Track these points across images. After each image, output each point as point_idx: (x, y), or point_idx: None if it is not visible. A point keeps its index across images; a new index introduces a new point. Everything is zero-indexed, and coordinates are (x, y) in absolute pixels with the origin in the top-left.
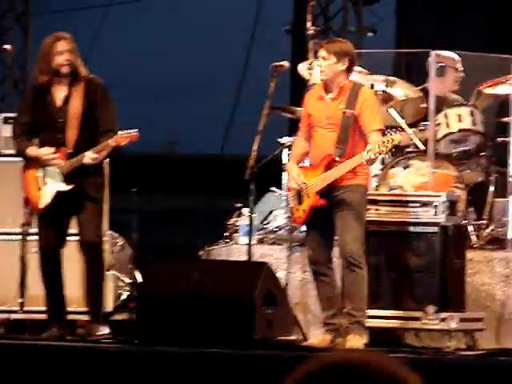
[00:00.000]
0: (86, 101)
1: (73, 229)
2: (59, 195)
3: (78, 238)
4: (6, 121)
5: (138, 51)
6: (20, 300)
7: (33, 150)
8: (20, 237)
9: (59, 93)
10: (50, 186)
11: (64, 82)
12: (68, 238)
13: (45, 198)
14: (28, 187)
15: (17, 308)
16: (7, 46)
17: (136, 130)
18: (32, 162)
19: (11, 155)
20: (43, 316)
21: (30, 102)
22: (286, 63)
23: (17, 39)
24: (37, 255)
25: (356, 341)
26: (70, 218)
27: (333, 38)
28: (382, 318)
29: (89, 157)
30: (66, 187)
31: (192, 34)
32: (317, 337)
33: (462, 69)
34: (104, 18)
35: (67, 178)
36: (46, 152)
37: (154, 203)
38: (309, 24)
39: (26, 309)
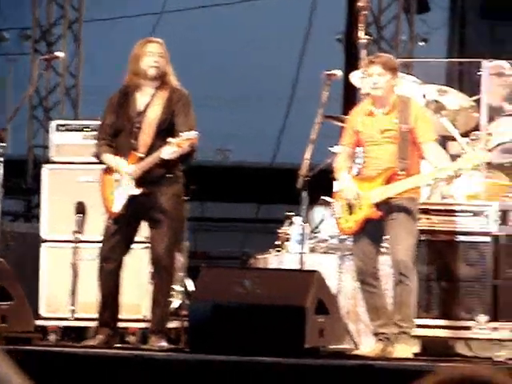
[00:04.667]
0: (167, 109)
1: (139, 236)
2: (132, 200)
3: (148, 249)
4: (57, 128)
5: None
6: (71, 307)
7: (107, 158)
8: (72, 244)
9: (143, 97)
10: (123, 191)
11: (150, 86)
12: (133, 245)
13: (118, 202)
14: (104, 191)
15: (68, 315)
16: (60, 54)
17: (196, 134)
18: (109, 167)
19: (63, 162)
20: (94, 323)
21: (114, 104)
22: (338, 72)
23: (69, 47)
24: (88, 262)
25: (404, 350)
26: (139, 225)
27: (385, 50)
28: (433, 327)
29: (166, 151)
30: (136, 191)
31: (248, 42)
32: (368, 346)
33: None
34: (156, 25)
35: (140, 183)
36: (118, 163)
37: (206, 211)
38: (361, 33)
39: (77, 316)
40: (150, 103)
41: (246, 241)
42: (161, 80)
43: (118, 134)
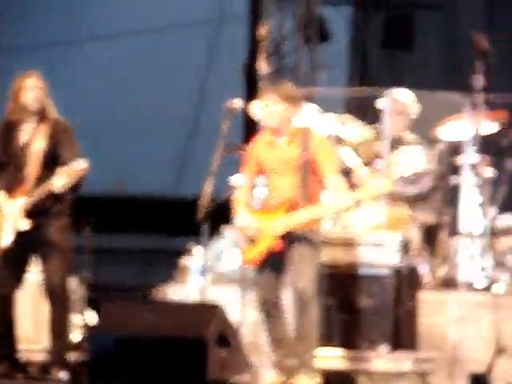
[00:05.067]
0: (51, 141)
1: (31, 267)
2: (21, 234)
3: (43, 281)
4: None
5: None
6: None
7: None
8: None
9: (26, 130)
10: (11, 225)
11: (31, 119)
12: (26, 276)
13: (6, 236)
14: None
15: None
16: None
17: (85, 162)
18: None
19: None
20: None
21: None
22: (239, 102)
23: None
24: None
25: (306, 382)
26: (30, 259)
27: (282, 80)
28: (335, 358)
29: (57, 182)
30: (25, 225)
31: (150, 73)
32: (269, 378)
33: (415, 108)
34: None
35: (28, 216)
36: (1, 199)
37: (106, 243)
38: (262, 63)
39: None
40: (33, 136)
41: (147, 272)
42: (42, 113)
43: (4, 168)
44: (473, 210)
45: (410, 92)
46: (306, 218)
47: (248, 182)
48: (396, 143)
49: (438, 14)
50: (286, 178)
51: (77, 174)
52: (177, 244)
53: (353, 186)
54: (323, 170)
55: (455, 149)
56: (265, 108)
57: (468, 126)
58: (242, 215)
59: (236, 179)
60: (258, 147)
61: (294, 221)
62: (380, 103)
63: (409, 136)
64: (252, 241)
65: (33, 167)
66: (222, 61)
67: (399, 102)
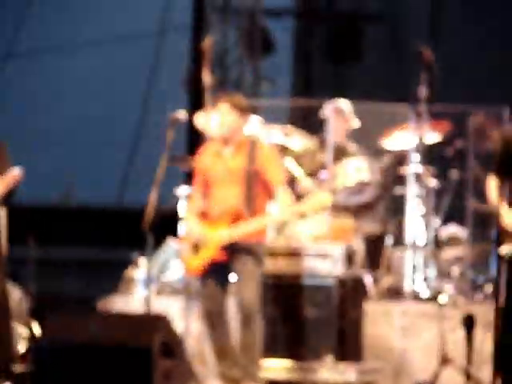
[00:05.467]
0: None
1: None
2: None
3: None
4: None
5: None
6: None
7: None
8: None
9: None
10: None
11: None
12: None
13: None
14: None
15: None
16: None
17: (17, 170)
18: None
19: None
20: None
21: None
22: (183, 114)
23: None
24: None
25: None
26: None
27: (230, 91)
28: (280, 369)
29: None
30: None
31: (90, 82)
32: None
33: (354, 117)
34: None
35: None
36: None
37: (50, 254)
38: (205, 75)
39: None
40: None
41: (92, 284)
42: None
43: None
44: (417, 220)
45: (349, 102)
46: (250, 229)
47: (195, 192)
48: (340, 154)
49: (382, 25)
50: (231, 188)
51: (10, 182)
52: (122, 255)
53: (297, 197)
54: (270, 180)
55: (400, 159)
56: (216, 118)
57: (412, 136)
58: (189, 221)
59: (181, 190)
60: (205, 157)
61: (237, 232)
62: (323, 113)
63: (353, 147)
64: (197, 248)
65: None
66: (165, 73)
67: (341, 111)
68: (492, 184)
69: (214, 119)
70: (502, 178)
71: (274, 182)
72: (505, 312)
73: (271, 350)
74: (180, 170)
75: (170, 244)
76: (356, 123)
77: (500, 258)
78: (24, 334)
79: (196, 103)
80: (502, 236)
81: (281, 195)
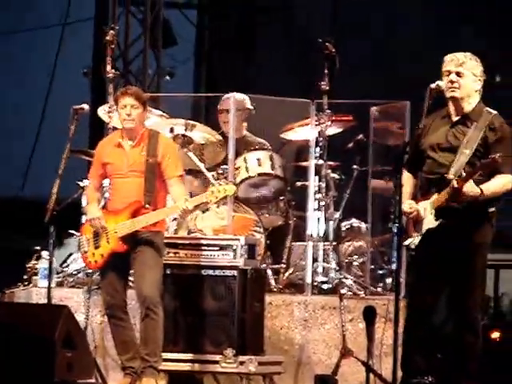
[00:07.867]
0: None
1: None
2: None
3: None
4: None
5: None
6: None
7: None
8: None
9: None
10: None
11: None
12: None
13: None
14: None
15: None
16: None
17: None
18: None
19: None
20: None
21: None
22: (85, 106)
23: None
24: None
25: None
26: None
27: (131, 83)
28: (181, 361)
29: None
30: None
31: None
32: (116, 380)
33: (252, 109)
34: None
35: None
36: None
37: None
38: (108, 67)
39: None
40: None
41: None
42: None
43: None
44: (318, 213)
45: (249, 95)
46: (149, 222)
47: (95, 183)
48: (241, 147)
49: (283, 18)
50: (131, 180)
51: None
52: (23, 246)
53: (199, 189)
54: (166, 174)
55: (301, 152)
56: (120, 110)
57: (313, 130)
58: (90, 208)
59: (84, 182)
60: (105, 149)
61: (137, 224)
62: (223, 106)
63: (255, 140)
64: (96, 240)
65: None
66: (68, 64)
67: (242, 103)
68: (405, 176)
69: (120, 112)
70: (414, 172)
71: (170, 175)
72: (406, 305)
73: (172, 342)
74: (83, 161)
75: (72, 236)
76: (257, 116)
77: (400, 249)
78: None
79: (98, 95)
80: (403, 228)
81: (177, 188)
